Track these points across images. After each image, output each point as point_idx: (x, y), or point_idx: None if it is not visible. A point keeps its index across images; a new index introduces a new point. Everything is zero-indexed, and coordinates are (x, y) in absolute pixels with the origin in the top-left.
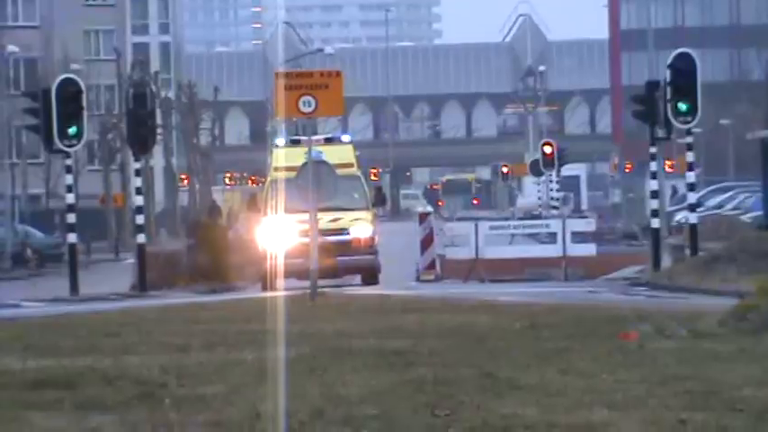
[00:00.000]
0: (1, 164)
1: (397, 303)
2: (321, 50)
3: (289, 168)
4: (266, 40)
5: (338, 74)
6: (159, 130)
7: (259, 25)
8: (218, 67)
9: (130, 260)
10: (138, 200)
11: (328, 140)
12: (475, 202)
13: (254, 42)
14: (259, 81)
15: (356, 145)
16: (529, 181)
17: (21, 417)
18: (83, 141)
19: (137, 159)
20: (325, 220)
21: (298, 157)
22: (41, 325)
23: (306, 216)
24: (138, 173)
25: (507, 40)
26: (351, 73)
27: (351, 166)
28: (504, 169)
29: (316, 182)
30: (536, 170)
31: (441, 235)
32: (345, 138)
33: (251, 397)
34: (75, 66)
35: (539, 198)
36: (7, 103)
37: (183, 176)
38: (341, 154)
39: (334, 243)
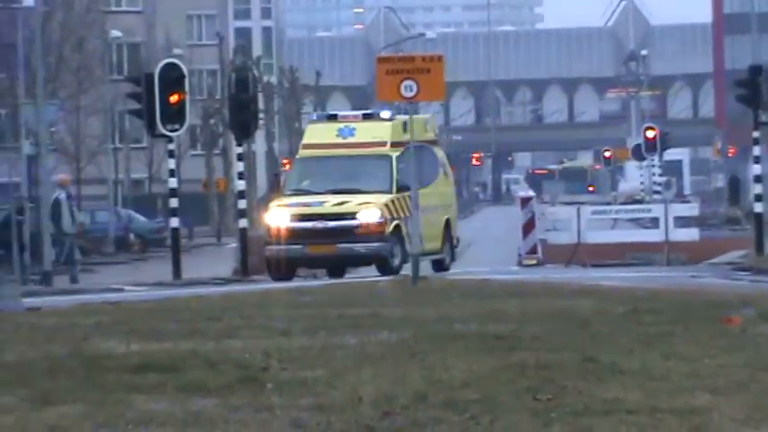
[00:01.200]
0: (104, 148)
1: (498, 288)
2: (423, 35)
3: (316, 146)
4: (368, 24)
5: (440, 58)
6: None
7: (360, 10)
8: (319, 51)
9: (233, 245)
10: (241, 184)
11: (367, 116)
12: (591, 189)
13: (355, 27)
14: (361, 66)
15: (458, 129)
16: (631, 166)
17: (124, 400)
18: (185, 126)
19: (239, 144)
20: (330, 202)
21: (328, 133)
22: (144, 309)
23: (310, 198)
24: (240, 157)
25: (609, 24)
26: (452, 57)
27: (383, 144)
28: (607, 154)
29: (418, 163)
30: (638, 155)
31: (542, 219)
32: (385, 114)
33: (352, 381)
34: (177, 51)
35: (641, 183)
36: (111, 88)
37: (284, 161)
38: (376, 132)
39: (334, 228)
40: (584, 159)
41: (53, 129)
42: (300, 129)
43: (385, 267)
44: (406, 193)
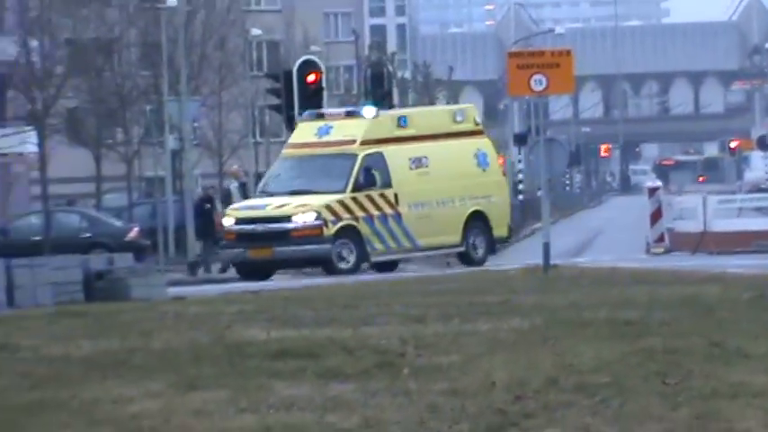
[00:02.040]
0: (245, 143)
1: (627, 275)
2: (552, 30)
3: (296, 145)
4: (498, 21)
5: (568, 53)
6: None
7: (491, 7)
8: (452, 47)
9: None
10: None
11: (349, 114)
12: (701, 179)
13: (486, 23)
14: (492, 60)
15: (587, 121)
16: (756, 156)
17: (266, 385)
18: None
19: None
20: (272, 205)
21: (309, 132)
22: (284, 298)
23: (262, 201)
24: None
25: (734, 18)
26: (580, 52)
27: (352, 143)
28: (733, 144)
29: (547, 158)
30: (763, 145)
31: (669, 209)
32: (369, 111)
33: (485, 366)
34: (315, 48)
35: (766, 172)
36: (251, 85)
37: None
38: (349, 130)
39: (270, 232)
40: (711, 150)
41: (196, 124)
42: None
43: (332, 269)
44: (371, 191)
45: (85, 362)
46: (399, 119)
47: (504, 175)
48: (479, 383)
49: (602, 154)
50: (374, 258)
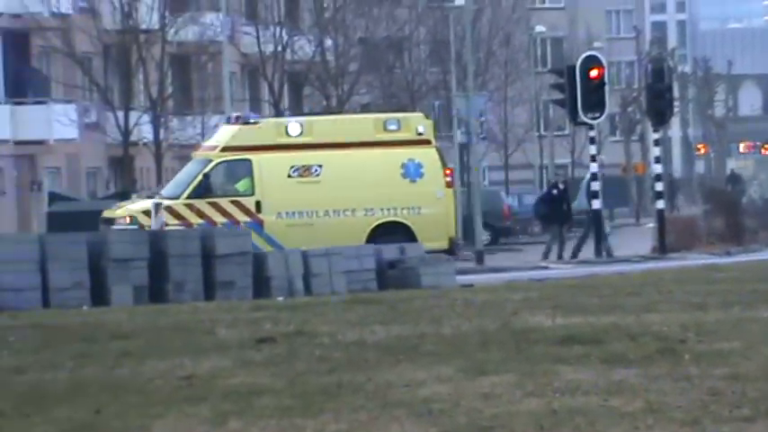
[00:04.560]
0: (530, 136)
1: None
2: None
3: (196, 147)
4: None
5: None
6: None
7: None
8: (731, 42)
9: (651, 224)
10: (657, 168)
11: (237, 119)
12: None
13: (765, 18)
14: None
15: None
16: None
17: (551, 370)
18: (605, 114)
19: (655, 130)
20: (117, 206)
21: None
22: (569, 286)
23: (131, 202)
24: (656, 143)
25: None
26: None
27: (213, 149)
28: None
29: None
30: None
31: None
32: (249, 120)
33: (766, 352)
34: (597, 44)
35: None
36: (535, 80)
37: (699, 146)
38: (220, 135)
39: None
40: None
41: (482, 118)
42: (713, 115)
43: None
44: (219, 198)
45: (379, 347)
46: (286, 126)
47: (449, 186)
48: (760, 369)
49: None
50: None
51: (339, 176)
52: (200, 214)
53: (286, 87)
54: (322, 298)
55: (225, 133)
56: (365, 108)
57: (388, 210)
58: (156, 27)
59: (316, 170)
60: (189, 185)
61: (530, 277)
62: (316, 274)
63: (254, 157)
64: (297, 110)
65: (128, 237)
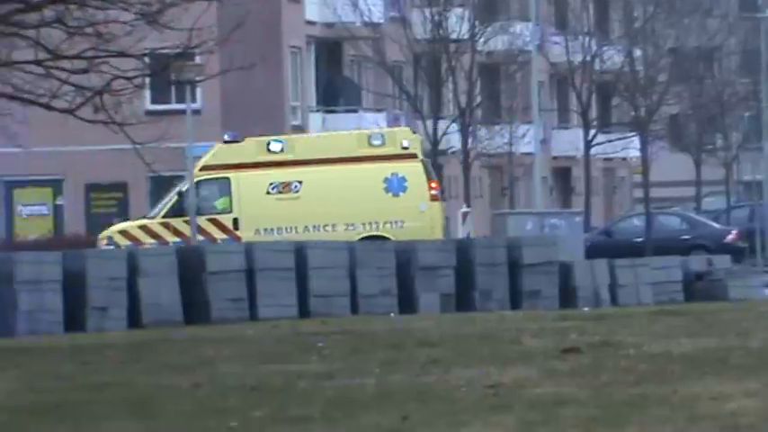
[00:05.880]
0: None
1: None
2: None
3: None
4: None
5: None
6: None
7: None
8: None
9: None
10: None
11: (225, 140)
12: None
13: None
14: None
15: None
16: None
17: None
18: None
19: None
20: (112, 228)
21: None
22: None
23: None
24: None
25: None
26: None
27: (197, 168)
28: None
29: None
30: None
31: None
32: (226, 139)
33: None
34: None
35: None
36: None
37: None
38: (205, 155)
39: None
40: None
41: None
42: None
43: None
44: (185, 218)
45: (685, 359)
46: (267, 144)
47: (435, 199)
48: None
49: None
50: None
51: (319, 192)
52: (177, 232)
53: (594, 97)
54: (628, 309)
55: (208, 153)
56: (674, 119)
57: (371, 224)
58: (466, 37)
59: (295, 186)
60: (166, 205)
61: None
62: (622, 284)
63: (233, 175)
64: (605, 120)
65: (435, 245)
